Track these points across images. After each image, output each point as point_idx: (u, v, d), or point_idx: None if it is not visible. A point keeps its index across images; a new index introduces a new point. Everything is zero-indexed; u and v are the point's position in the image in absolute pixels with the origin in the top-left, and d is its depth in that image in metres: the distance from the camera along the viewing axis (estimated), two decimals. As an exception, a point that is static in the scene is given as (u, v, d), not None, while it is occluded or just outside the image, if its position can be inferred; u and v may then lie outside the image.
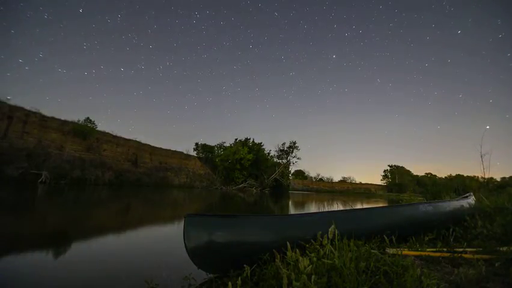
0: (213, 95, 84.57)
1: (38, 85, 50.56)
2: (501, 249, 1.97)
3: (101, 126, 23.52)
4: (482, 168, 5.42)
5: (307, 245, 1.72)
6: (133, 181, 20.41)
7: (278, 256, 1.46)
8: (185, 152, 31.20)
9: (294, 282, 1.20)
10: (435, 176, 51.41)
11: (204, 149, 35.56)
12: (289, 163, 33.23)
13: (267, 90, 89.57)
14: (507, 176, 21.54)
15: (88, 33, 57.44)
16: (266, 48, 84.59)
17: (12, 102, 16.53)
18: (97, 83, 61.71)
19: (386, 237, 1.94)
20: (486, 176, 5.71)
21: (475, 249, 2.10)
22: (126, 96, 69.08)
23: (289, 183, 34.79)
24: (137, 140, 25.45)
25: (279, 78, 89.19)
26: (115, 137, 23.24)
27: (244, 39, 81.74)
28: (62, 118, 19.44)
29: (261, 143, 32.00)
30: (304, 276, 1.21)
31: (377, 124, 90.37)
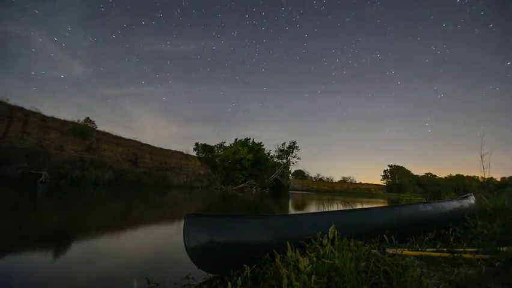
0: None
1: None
2: (501, 249, 1.97)
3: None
4: (482, 168, 5.41)
5: (307, 245, 1.72)
6: (133, 181, 20.39)
7: (278, 256, 1.46)
8: (185, 152, 31.20)
9: (294, 282, 1.19)
10: (435, 176, 51.47)
11: (204, 149, 35.57)
12: (289, 163, 33.24)
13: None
14: (507, 176, 21.57)
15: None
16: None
17: (12, 102, 16.53)
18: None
19: (386, 237, 1.94)
20: (486, 176, 5.69)
21: (475, 249, 2.10)
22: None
23: (289, 183, 34.74)
24: (137, 140, 25.51)
25: None
26: (115, 137, 23.24)
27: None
28: (62, 118, 19.47)
29: (261, 143, 32.09)
30: (305, 276, 1.21)
31: (377, 123, 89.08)
